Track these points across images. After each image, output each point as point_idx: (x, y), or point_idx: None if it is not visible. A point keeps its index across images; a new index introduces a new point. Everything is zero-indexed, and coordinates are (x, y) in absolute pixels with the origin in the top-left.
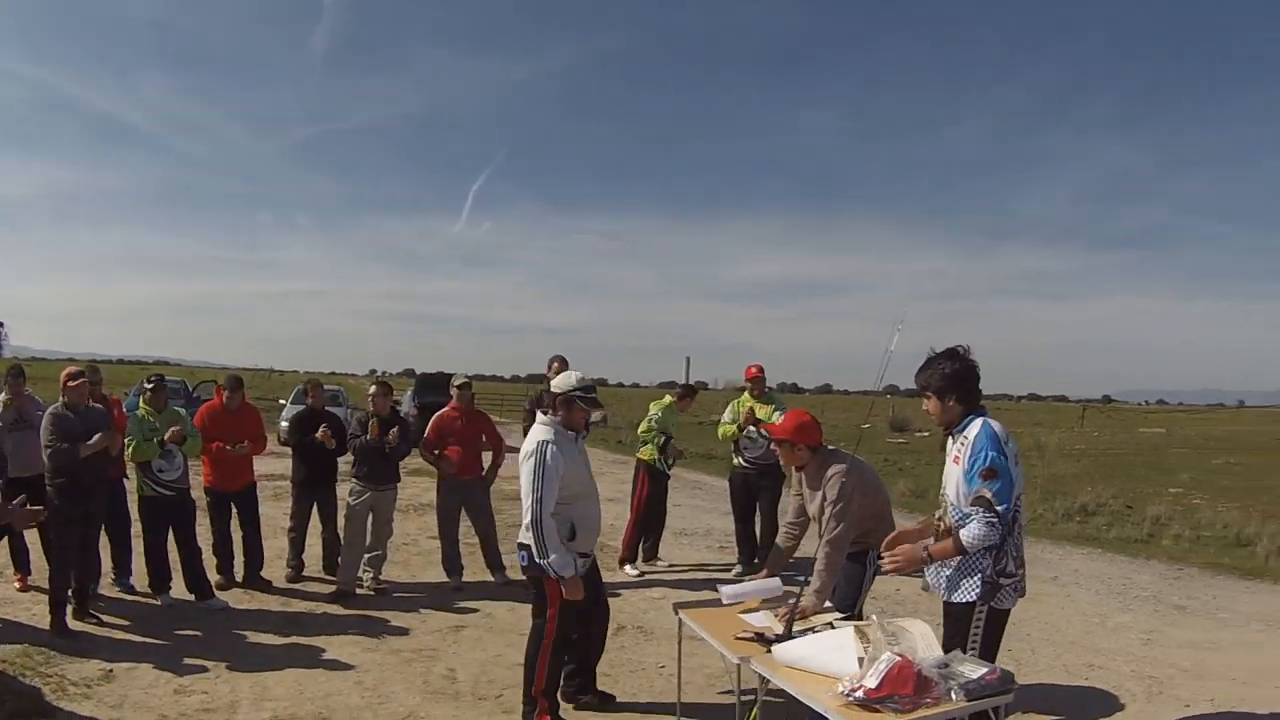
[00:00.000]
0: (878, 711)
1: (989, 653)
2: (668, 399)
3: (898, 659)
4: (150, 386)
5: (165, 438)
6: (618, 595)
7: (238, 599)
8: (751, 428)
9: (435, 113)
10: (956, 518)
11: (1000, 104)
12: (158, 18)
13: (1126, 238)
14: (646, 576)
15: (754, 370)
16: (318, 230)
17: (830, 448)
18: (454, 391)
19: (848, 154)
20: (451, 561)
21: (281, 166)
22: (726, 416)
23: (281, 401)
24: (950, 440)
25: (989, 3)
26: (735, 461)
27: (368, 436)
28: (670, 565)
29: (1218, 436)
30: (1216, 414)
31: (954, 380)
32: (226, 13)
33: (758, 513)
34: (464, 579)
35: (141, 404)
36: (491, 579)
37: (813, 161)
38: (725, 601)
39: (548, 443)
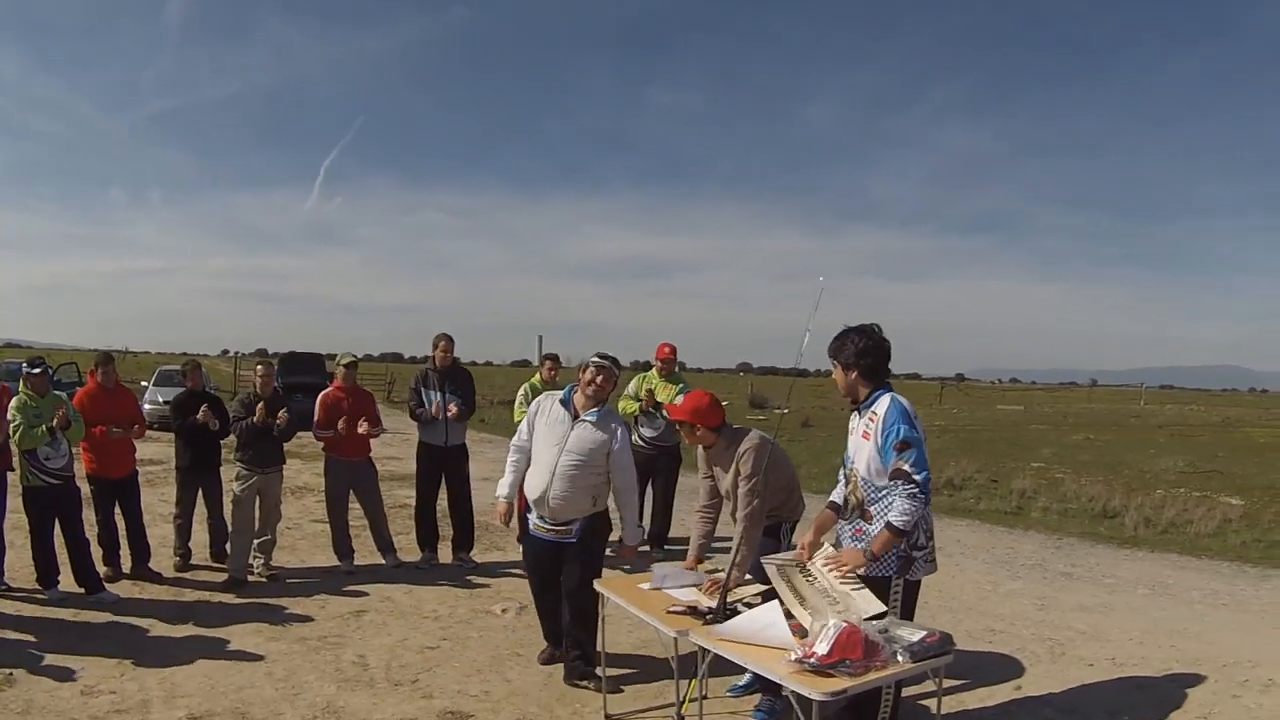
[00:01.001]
0: (831, 675)
1: None
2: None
3: (845, 625)
4: (36, 371)
5: (52, 423)
6: (514, 573)
7: (127, 591)
8: (652, 407)
9: (289, 86)
10: (869, 493)
11: (856, 87)
12: None
13: (978, 221)
14: None
15: (666, 350)
16: (169, 207)
17: (735, 426)
18: (340, 370)
19: (701, 134)
20: (342, 545)
21: (134, 141)
22: (629, 390)
23: (144, 384)
24: (857, 415)
25: None
26: (633, 439)
27: (254, 419)
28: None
29: (1075, 414)
30: (1071, 392)
31: (863, 355)
32: None
33: (650, 490)
34: (354, 563)
35: (22, 389)
36: (383, 561)
37: (665, 141)
38: (655, 584)
39: (540, 400)
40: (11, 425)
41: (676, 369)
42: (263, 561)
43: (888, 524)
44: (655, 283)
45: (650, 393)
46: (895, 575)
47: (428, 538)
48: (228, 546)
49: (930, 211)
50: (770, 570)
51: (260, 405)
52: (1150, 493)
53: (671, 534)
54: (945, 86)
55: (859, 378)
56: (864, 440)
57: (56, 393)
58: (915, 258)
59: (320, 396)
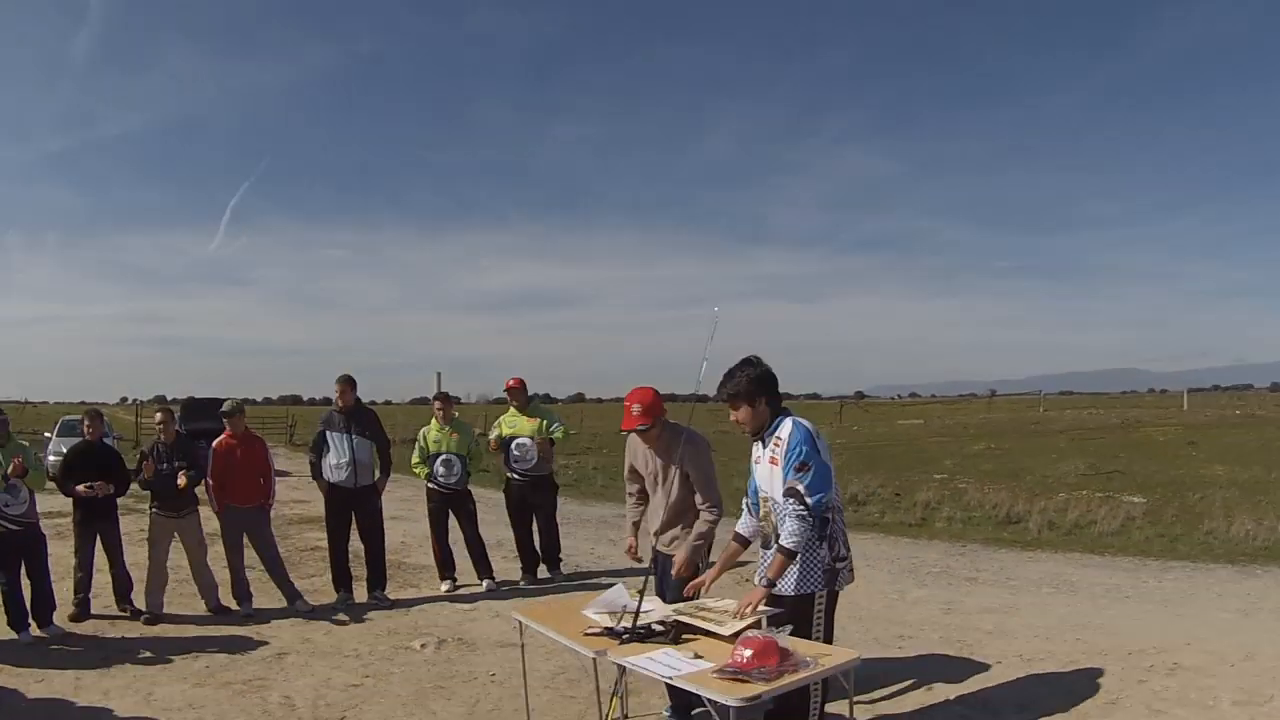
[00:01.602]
0: (747, 682)
1: (829, 634)
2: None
3: (759, 635)
4: None
5: (8, 471)
6: (429, 609)
7: (41, 646)
8: (524, 440)
9: (191, 121)
10: (781, 515)
11: (754, 117)
12: None
13: (874, 241)
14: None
15: (512, 382)
16: (66, 250)
17: (671, 421)
18: (225, 420)
19: (600, 165)
20: (239, 589)
21: (31, 181)
22: (493, 432)
23: (46, 435)
24: (760, 445)
25: (743, 20)
26: (507, 475)
27: (144, 476)
28: (458, 583)
29: (975, 424)
30: (970, 404)
31: (759, 383)
32: None
33: (534, 523)
34: (253, 605)
35: None
36: (285, 605)
37: (564, 173)
38: (593, 611)
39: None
40: None
41: (530, 399)
42: (208, 602)
43: (779, 547)
44: (552, 314)
45: (498, 438)
46: (822, 589)
47: (341, 579)
48: (133, 596)
49: (828, 234)
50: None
51: (147, 463)
52: (1053, 496)
53: (584, 564)
54: (844, 114)
55: (764, 406)
56: (773, 466)
57: (21, 442)
58: (812, 279)
59: (214, 447)
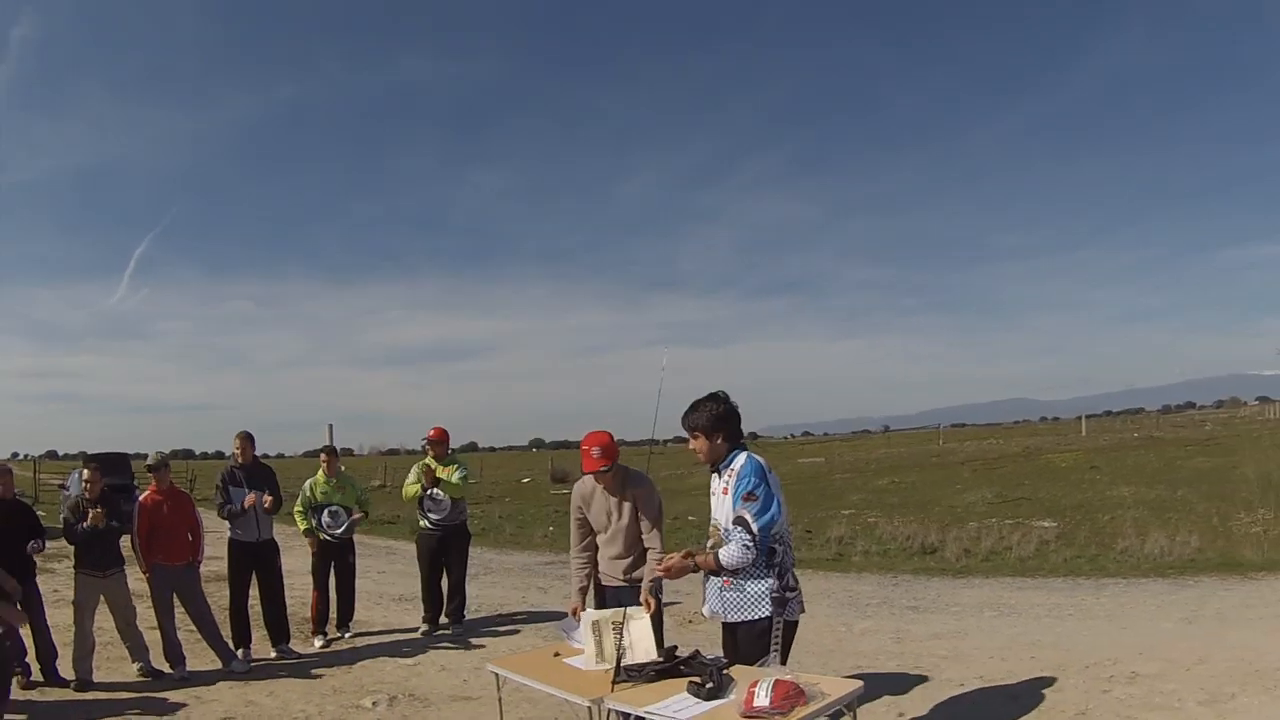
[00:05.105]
0: (766, 718)
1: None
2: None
3: (778, 679)
4: None
5: None
6: (369, 665)
7: None
8: (436, 490)
9: (102, 169)
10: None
11: (669, 165)
12: None
13: (783, 284)
14: (358, 644)
15: (434, 432)
16: None
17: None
18: (151, 474)
19: (513, 214)
20: (173, 651)
21: None
22: (410, 478)
23: None
24: (716, 476)
25: (656, 71)
26: (421, 524)
27: (87, 524)
28: (354, 634)
29: (876, 460)
30: (867, 440)
31: (720, 420)
32: None
33: (445, 572)
34: (187, 669)
35: None
36: (219, 665)
37: (478, 223)
38: (582, 667)
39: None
40: None
41: (449, 450)
42: (140, 666)
43: (716, 555)
44: (457, 366)
45: (431, 471)
46: (775, 615)
47: (242, 635)
48: (58, 664)
49: (735, 278)
50: (585, 622)
51: (96, 511)
52: (964, 525)
53: (478, 609)
54: (758, 159)
55: (722, 441)
56: (724, 496)
57: None
58: (717, 324)
59: (139, 502)
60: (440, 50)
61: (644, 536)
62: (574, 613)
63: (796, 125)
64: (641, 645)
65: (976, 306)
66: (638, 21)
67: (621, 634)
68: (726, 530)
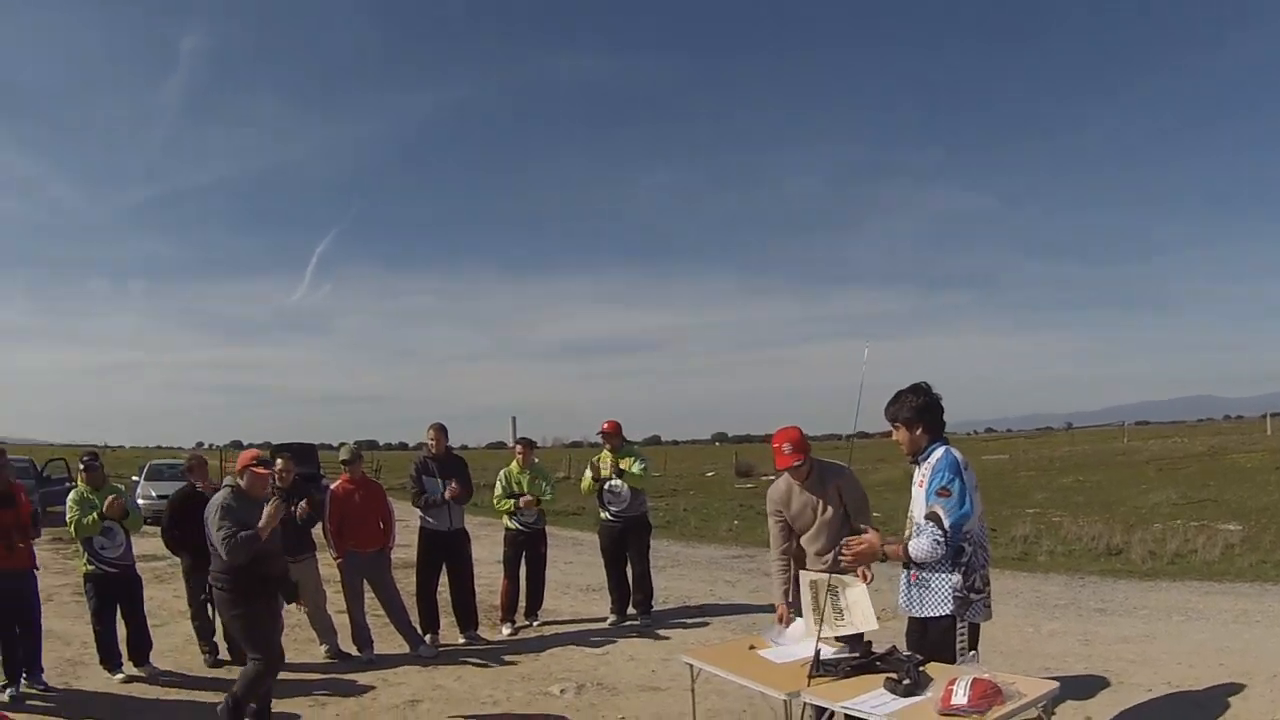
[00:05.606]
0: (964, 716)
1: None
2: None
3: (975, 677)
4: (86, 464)
5: (104, 509)
6: (558, 653)
7: (151, 691)
8: (615, 482)
9: (279, 171)
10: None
11: (840, 157)
12: None
13: (957, 278)
14: (544, 631)
15: (607, 425)
16: (150, 298)
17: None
18: (344, 467)
19: (687, 210)
20: (360, 635)
21: (118, 228)
22: (588, 472)
23: (134, 479)
24: (917, 469)
25: (825, 61)
26: (602, 515)
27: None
28: (542, 623)
29: (1060, 457)
30: (1051, 437)
31: (921, 412)
32: (64, 58)
33: (628, 562)
34: (374, 652)
35: (80, 481)
36: (407, 650)
37: (652, 218)
38: (777, 661)
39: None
40: (68, 516)
41: (624, 442)
42: (328, 649)
43: (905, 546)
44: (636, 359)
45: (614, 461)
46: (957, 615)
47: (430, 621)
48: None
49: (912, 271)
50: (805, 579)
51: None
52: (1149, 527)
53: (666, 601)
54: (927, 151)
55: (922, 433)
56: (919, 488)
57: (117, 485)
58: (895, 318)
59: (331, 491)
60: (607, 49)
61: (853, 524)
62: (781, 618)
63: (966, 114)
64: (858, 609)
65: (1155, 300)
66: (801, 13)
67: (839, 596)
68: (919, 524)
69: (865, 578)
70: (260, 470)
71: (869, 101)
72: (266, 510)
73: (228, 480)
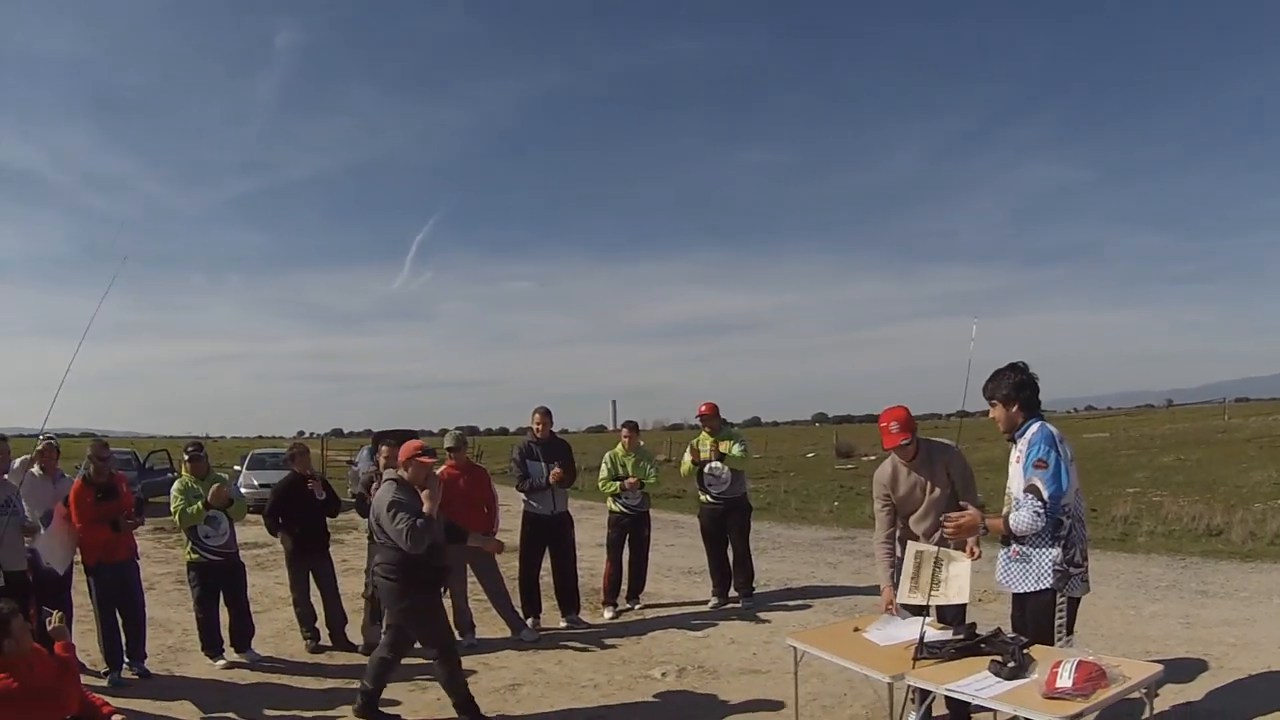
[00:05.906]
0: (1067, 700)
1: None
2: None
3: (1080, 659)
4: (191, 454)
5: (209, 498)
6: (659, 636)
7: (254, 677)
8: (714, 464)
9: (374, 162)
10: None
11: (936, 132)
12: (78, 56)
13: (1053, 253)
14: (648, 614)
15: (705, 407)
16: (248, 290)
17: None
18: (450, 454)
19: (784, 189)
20: (463, 618)
21: (214, 223)
22: (687, 455)
23: (236, 468)
24: (1014, 447)
25: (922, 36)
26: (702, 498)
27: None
28: (644, 606)
29: (1160, 435)
30: (1151, 415)
31: (1018, 389)
32: (159, 57)
33: (729, 545)
34: (475, 636)
35: (184, 471)
36: (509, 634)
37: (746, 199)
38: (881, 643)
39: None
40: (173, 506)
41: (722, 424)
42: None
43: (1005, 519)
44: (733, 340)
45: (714, 444)
46: (1058, 590)
47: (532, 605)
48: (346, 629)
49: (1009, 246)
50: (910, 550)
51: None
52: (1249, 507)
53: (767, 584)
54: (1024, 125)
55: (1019, 410)
56: (1016, 465)
57: (220, 474)
58: (992, 294)
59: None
60: (702, 28)
61: (960, 501)
62: (889, 605)
63: (1065, 87)
64: (956, 583)
65: (1257, 274)
66: None
67: (942, 568)
68: (1018, 499)
69: (974, 554)
70: (425, 460)
71: (975, 74)
72: (427, 491)
73: (389, 473)
